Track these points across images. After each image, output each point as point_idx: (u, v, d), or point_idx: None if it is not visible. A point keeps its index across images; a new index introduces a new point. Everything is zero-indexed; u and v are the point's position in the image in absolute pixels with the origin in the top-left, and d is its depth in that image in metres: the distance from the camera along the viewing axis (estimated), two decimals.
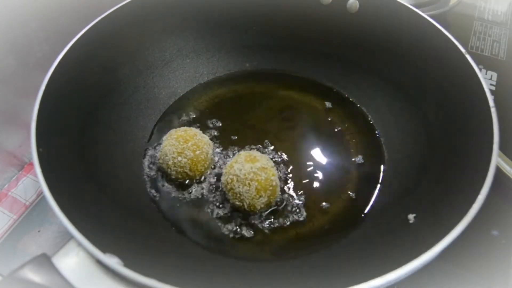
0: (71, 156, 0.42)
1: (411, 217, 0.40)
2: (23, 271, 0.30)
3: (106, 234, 0.35)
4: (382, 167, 0.51)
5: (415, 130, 0.50)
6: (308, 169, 0.51)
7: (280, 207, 0.47)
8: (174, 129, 0.50)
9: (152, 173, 0.50)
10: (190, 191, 0.49)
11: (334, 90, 0.60)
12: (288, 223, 0.46)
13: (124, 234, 0.38)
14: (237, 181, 0.44)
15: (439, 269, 0.44)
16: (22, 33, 0.50)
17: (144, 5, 0.53)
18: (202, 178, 0.49)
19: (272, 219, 0.46)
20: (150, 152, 0.52)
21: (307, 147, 0.54)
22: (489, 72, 0.66)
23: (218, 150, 0.53)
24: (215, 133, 0.55)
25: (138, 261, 0.31)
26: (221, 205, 0.47)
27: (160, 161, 0.49)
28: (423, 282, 0.43)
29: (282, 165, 0.51)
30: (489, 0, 0.82)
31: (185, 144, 0.47)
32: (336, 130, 0.55)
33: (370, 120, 0.56)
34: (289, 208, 0.47)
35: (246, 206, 0.44)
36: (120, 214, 0.42)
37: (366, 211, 0.47)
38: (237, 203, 0.45)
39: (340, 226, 0.46)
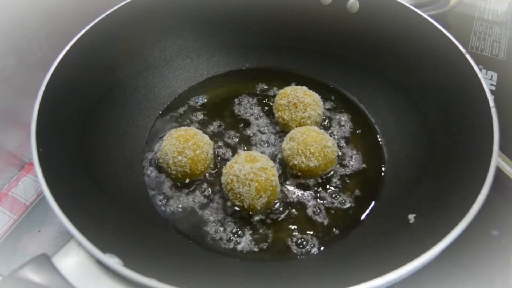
0: (71, 156, 0.42)
1: (411, 217, 0.40)
2: (23, 271, 0.30)
3: (106, 234, 0.35)
4: (382, 167, 0.51)
5: (415, 130, 0.50)
6: None
7: (280, 207, 0.47)
8: (174, 129, 0.50)
9: (152, 173, 0.50)
10: (190, 190, 0.49)
11: (335, 90, 0.60)
12: (288, 223, 0.46)
13: (124, 234, 0.38)
14: (237, 181, 0.44)
15: (439, 269, 0.44)
16: (22, 33, 0.50)
17: (144, 5, 0.53)
18: (202, 177, 0.49)
19: (272, 219, 0.46)
20: (150, 152, 0.52)
21: None
22: (489, 72, 0.66)
23: (218, 149, 0.53)
24: (215, 132, 0.55)
25: (138, 261, 0.31)
26: (221, 205, 0.47)
27: (160, 160, 0.49)
28: (423, 282, 0.43)
29: (281, 164, 0.51)
30: (489, 0, 0.82)
31: (186, 144, 0.47)
32: (336, 129, 0.55)
33: (371, 120, 0.56)
34: (289, 207, 0.47)
35: (246, 206, 0.44)
36: (120, 214, 0.42)
37: (366, 211, 0.47)
38: (237, 203, 0.45)
39: (340, 226, 0.46)
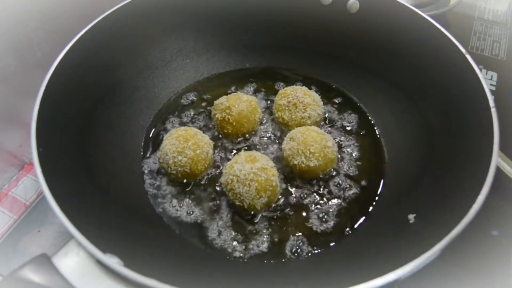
0: (71, 156, 0.42)
1: (411, 217, 0.40)
2: (23, 271, 0.30)
3: (106, 234, 0.35)
4: (382, 167, 0.51)
5: (415, 130, 0.50)
6: None
7: (280, 207, 0.47)
8: (174, 129, 0.50)
9: (152, 172, 0.50)
10: (190, 190, 0.49)
11: (335, 90, 0.60)
12: (288, 223, 0.46)
13: (124, 234, 0.38)
14: (237, 181, 0.44)
15: (439, 269, 0.44)
16: (22, 33, 0.50)
17: (144, 5, 0.53)
18: (202, 177, 0.49)
19: (272, 219, 0.46)
20: (150, 152, 0.52)
21: None
22: (489, 72, 0.66)
23: (218, 149, 0.53)
24: (216, 133, 0.55)
25: (138, 261, 0.31)
26: (221, 205, 0.47)
27: (161, 160, 0.49)
28: (423, 282, 0.43)
29: (280, 164, 0.51)
30: (489, 0, 0.82)
31: (186, 144, 0.47)
32: (335, 129, 0.55)
33: (371, 120, 0.56)
34: (288, 208, 0.47)
35: (246, 206, 0.44)
36: (120, 214, 0.42)
37: (366, 211, 0.47)
38: (237, 203, 0.45)
39: (340, 226, 0.46)
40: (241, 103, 0.52)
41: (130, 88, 0.55)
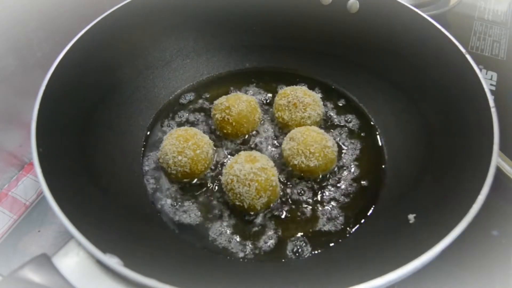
0: (71, 156, 0.42)
1: (411, 217, 0.40)
2: (23, 271, 0.30)
3: (106, 234, 0.35)
4: (382, 167, 0.51)
5: (415, 130, 0.50)
6: None
7: (280, 207, 0.47)
8: (174, 129, 0.50)
9: (152, 172, 0.50)
10: (190, 190, 0.49)
11: (335, 90, 0.60)
12: (287, 223, 0.46)
13: (124, 234, 0.38)
14: (237, 181, 0.44)
15: (439, 269, 0.44)
16: (22, 33, 0.50)
17: (144, 5, 0.53)
18: (202, 177, 0.49)
19: (272, 219, 0.46)
20: (150, 152, 0.52)
21: None
22: (489, 72, 0.66)
23: (218, 149, 0.53)
24: (216, 133, 0.55)
25: (138, 261, 0.31)
26: (221, 205, 0.47)
27: (161, 160, 0.49)
28: (423, 282, 0.43)
29: (280, 164, 0.51)
30: (489, 0, 0.82)
31: (186, 144, 0.47)
32: (335, 129, 0.55)
33: (371, 120, 0.56)
34: (288, 208, 0.47)
35: (246, 206, 0.44)
36: (120, 214, 0.42)
37: (366, 211, 0.47)
38: (237, 203, 0.45)
39: (340, 226, 0.46)
40: (240, 103, 0.52)
41: (130, 88, 0.55)
